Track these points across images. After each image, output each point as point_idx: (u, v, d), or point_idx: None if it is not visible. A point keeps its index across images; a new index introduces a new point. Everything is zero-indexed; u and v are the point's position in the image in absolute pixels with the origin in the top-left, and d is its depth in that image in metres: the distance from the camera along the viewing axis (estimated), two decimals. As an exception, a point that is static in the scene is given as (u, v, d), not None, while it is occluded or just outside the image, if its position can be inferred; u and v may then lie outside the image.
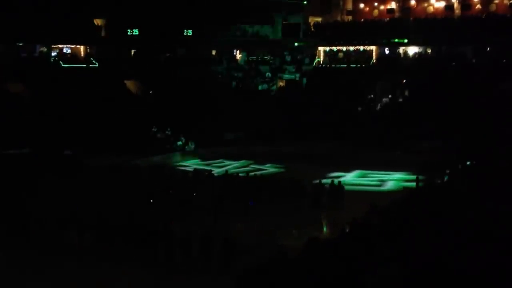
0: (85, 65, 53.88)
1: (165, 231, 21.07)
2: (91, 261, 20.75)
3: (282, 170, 37.16)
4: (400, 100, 49.49)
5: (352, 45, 56.48)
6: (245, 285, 14.58)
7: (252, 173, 32.56)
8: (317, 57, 57.25)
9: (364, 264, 14.15)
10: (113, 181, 32.19)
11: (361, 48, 56.09)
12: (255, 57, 60.68)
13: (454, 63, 51.17)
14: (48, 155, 38.11)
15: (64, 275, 19.66)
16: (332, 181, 29.14)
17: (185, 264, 20.07)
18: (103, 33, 56.78)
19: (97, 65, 54.24)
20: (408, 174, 34.41)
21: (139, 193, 28.75)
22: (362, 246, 16.12)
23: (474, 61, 50.83)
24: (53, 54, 54.54)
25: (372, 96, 51.86)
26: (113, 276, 19.46)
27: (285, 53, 59.26)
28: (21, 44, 52.38)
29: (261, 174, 32.10)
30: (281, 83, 56.58)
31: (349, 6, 59.37)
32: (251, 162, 39.43)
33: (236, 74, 58.74)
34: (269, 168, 37.68)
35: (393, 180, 34.32)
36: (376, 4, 58.08)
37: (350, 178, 34.64)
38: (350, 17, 59.07)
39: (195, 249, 20.05)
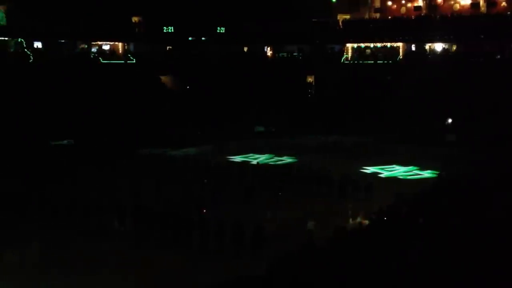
0: (123, 61, 56.32)
1: (199, 218, 22.34)
2: (128, 245, 22.10)
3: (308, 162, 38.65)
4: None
5: (379, 42, 57.80)
6: (276, 272, 14.71)
7: (281, 164, 33.91)
8: (345, 53, 58.75)
9: (391, 253, 14.62)
10: (151, 170, 34.45)
11: (388, 44, 57.36)
12: (285, 54, 62.45)
13: (481, 59, 52.16)
14: (90, 145, 40.79)
15: (102, 257, 21.02)
16: (358, 173, 30.54)
17: (217, 250, 21.04)
18: (140, 31, 59.14)
19: (134, 61, 56.71)
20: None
21: (175, 182, 30.84)
22: (389, 235, 16.60)
23: (498, 57, 51.78)
24: (93, 50, 57.06)
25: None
26: (149, 260, 20.57)
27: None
28: (63, 41, 54.93)
29: (290, 165, 33.41)
30: (310, 79, 58.12)
31: (377, 3, 60.45)
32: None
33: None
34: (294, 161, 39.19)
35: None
36: (403, 1, 59.16)
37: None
38: (378, 15, 60.26)
39: (227, 235, 21.13)
